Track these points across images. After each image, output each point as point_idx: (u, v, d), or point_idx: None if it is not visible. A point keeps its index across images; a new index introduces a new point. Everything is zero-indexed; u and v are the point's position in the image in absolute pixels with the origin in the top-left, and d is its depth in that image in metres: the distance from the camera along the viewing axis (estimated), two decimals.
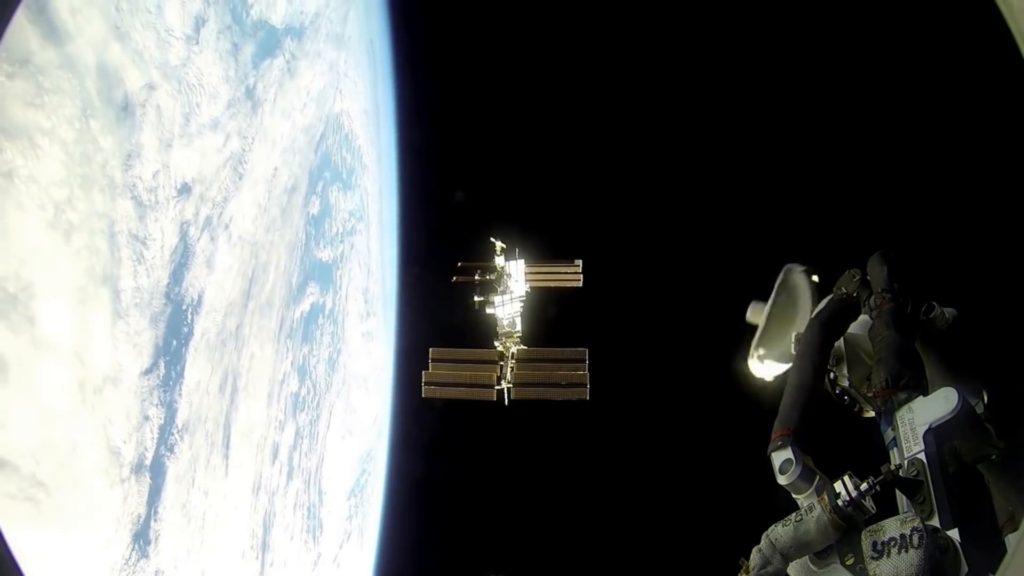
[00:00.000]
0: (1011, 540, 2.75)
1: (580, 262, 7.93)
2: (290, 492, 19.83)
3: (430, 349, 7.71)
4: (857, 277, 3.89)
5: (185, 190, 15.52)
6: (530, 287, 7.69)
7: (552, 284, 7.90)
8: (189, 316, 15.45)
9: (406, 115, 24.79)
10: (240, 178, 17.72)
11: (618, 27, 17.20)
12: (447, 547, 19.59)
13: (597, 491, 17.95)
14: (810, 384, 3.47)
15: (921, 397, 2.99)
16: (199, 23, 16.04)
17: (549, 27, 17.66)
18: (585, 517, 18.11)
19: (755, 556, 2.87)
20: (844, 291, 3.93)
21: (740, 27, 15.12)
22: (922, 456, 2.80)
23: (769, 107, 14.76)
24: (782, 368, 4.00)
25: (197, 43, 16.00)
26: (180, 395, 15.05)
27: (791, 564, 2.88)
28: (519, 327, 7.43)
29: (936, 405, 2.89)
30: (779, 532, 2.85)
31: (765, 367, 4.17)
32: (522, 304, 7.51)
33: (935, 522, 2.60)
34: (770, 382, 4.09)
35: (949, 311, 3.53)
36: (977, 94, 10.38)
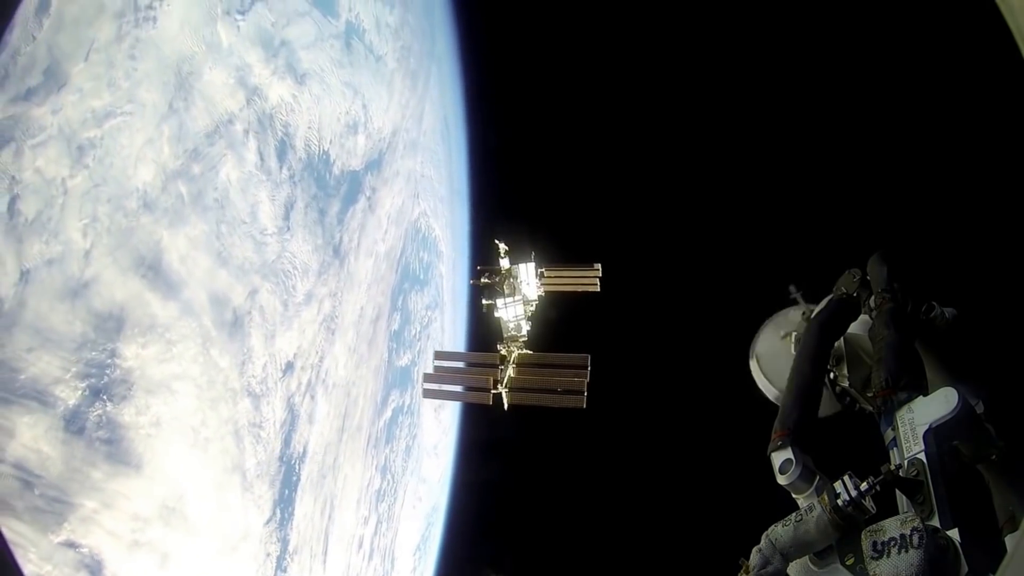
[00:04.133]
0: (1011, 540, 2.75)
1: (599, 266, 7.79)
2: (369, 570, 21.61)
3: (434, 351, 7.65)
4: (857, 277, 3.89)
5: (289, 368, 17.50)
6: (544, 291, 7.59)
7: (568, 288, 7.78)
8: (297, 467, 17.85)
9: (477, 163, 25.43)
10: (332, 333, 19.35)
11: (638, 44, 17.38)
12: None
13: (598, 492, 17.99)
14: (810, 384, 3.47)
15: (921, 397, 2.99)
16: (288, 208, 17.46)
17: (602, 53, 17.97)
18: (586, 517, 18.14)
19: (755, 556, 2.87)
20: (844, 291, 3.93)
21: (749, 36, 15.16)
22: (922, 456, 2.80)
23: (772, 110, 14.75)
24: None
25: (288, 229, 17.47)
26: (291, 529, 17.52)
27: (791, 564, 2.88)
28: (525, 330, 7.33)
29: (936, 405, 2.89)
30: (779, 532, 2.84)
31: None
32: (531, 307, 7.42)
33: (935, 522, 2.60)
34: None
35: (949, 311, 3.53)
36: (977, 94, 10.37)
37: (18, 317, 11.11)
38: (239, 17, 16.03)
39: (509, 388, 6.67)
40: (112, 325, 12.45)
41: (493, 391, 6.67)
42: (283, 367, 17.22)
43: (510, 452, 18.78)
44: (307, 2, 18.51)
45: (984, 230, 9.59)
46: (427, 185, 25.03)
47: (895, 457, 2.96)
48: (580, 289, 7.79)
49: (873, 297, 3.69)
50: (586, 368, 6.55)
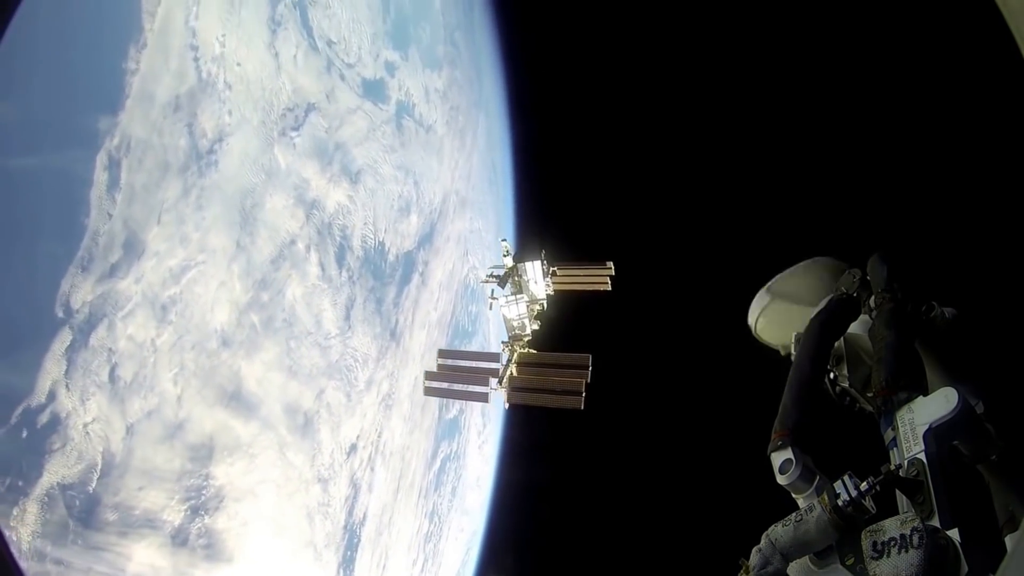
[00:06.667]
0: (1011, 540, 2.75)
1: (611, 264, 7.66)
2: None
3: (438, 349, 7.65)
4: (857, 277, 3.88)
5: (352, 449, 18.75)
6: (553, 290, 7.52)
7: (579, 287, 7.67)
8: (358, 531, 19.37)
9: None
10: (389, 408, 20.34)
11: (653, 58, 17.47)
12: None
13: (600, 491, 18.01)
14: (810, 384, 3.46)
15: (921, 397, 2.98)
16: (349, 308, 18.39)
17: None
18: (587, 516, 18.16)
19: (755, 556, 2.87)
20: (844, 291, 3.92)
21: (754, 44, 15.21)
22: (922, 456, 2.79)
23: (775, 114, 14.76)
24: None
25: (349, 328, 18.41)
26: None
27: (791, 564, 2.87)
28: (529, 329, 7.29)
29: (936, 405, 2.88)
30: (779, 532, 2.84)
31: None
32: (538, 306, 7.37)
33: (935, 522, 2.59)
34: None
35: (949, 311, 3.52)
36: (977, 94, 10.36)
37: (128, 465, 12.69)
38: (294, 135, 16.69)
39: (509, 387, 6.67)
40: (204, 453, 14.18)
41: (493, 390, 6.67)
42: (347, 450, 18.64)
43: (516, 454, 19.02)
44: (358, 96, 18.91)
45: (984, 230, 9.58)
46: (475, 239, 25.54)
47: (895, 457, 2.95)
48: (591, 288, 7.68)
49: (873, 297, 3.69)
50: (587, 368, 6.52)
